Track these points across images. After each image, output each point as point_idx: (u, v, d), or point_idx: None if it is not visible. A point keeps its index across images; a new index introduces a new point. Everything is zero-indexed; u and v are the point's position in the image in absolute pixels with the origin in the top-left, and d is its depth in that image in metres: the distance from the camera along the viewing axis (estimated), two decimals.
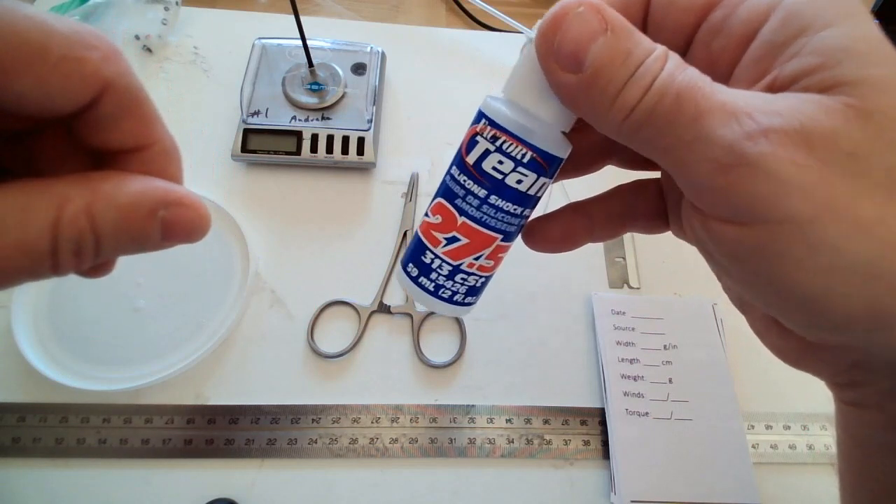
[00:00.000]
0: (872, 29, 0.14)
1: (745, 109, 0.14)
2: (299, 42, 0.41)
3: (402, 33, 0.53)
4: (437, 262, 0.20)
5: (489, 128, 0.18)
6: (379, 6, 0.56)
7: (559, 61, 0.15)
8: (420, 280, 0.21)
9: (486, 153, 0.18)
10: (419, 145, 0.47)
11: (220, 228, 0.41)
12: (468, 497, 0.35)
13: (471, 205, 0.19)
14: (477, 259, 0.20)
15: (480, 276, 0.21)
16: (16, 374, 0.36)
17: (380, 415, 0.37)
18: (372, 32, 0.52)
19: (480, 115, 0.19)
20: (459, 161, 0.19)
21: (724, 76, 0.16)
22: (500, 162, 0.18)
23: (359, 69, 0.46)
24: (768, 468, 0.36)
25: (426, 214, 0.21)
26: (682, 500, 0.34)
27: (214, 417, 0.36)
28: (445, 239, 0.20)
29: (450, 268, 0.20)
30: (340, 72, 0.46)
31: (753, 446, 0.37)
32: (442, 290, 0.21)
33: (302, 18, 0.40)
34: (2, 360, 0.37)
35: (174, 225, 0.14)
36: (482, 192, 0.19)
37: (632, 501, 0.34)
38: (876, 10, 0.54)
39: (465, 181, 0.19)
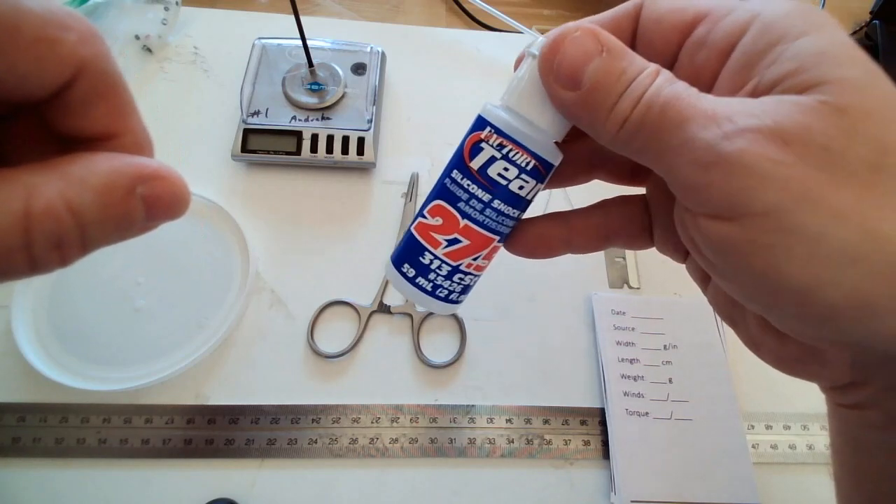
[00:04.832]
0: (844, 37, 0.15)
1: (725, 113, 0.15)
2: (299, 42, 0.41)
3: (402, 33, 0.53)
4: (437, 262, 0.21)
5: (495, 135, 0.19)
6: (379, 6, 0.56)
7: (559, 80, 0.17)
8: (417, 280, 0.21)
9: (492, 160, 0.19)
10: (419, 145, 0.47)
11: (220, 228, 0.41)
12: (468, 497, 0.35)
13: (474, 208, 0.20)
14: (475, 259, 0.21)
15: (476, 276, 0.22)
16: (16, 374, 0.36)
17: (380, 415, 0.37)
18: (372, 32, 0.52)
19: (484, 122, 0.19)
20: (462, 166, 0.20)
21: (707, 86, 0.17)
22: (506, 169, 0.19)
23: (359, 69, 0.46)
24: (768, 468, 0.36)
25: (422, 216, 0.21)
26: (682, 500, 0.34)
27: (214, 417, 0.36)
28: (446, 241, 0.21)
29: (449, 268, 0.21)
30: (340, 72, 0.46)
31: (753, 446, 0.37)
32: (439, 289, 0.22)
33: (302, 18, 0.40)
34: (2, 360, 0.37)
35: (156, 200, 0.14)
36: (486, 197, 0.20)
37: (632, 501, 0.34)
38: (876, 10, 0.54)
39: (468, 185, 0.20)
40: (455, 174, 0.20)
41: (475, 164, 0.19)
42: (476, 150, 0.19)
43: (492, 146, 0.19)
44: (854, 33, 0.56)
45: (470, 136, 0.20)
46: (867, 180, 0.14)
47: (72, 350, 0.37)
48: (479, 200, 0.20)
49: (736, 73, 0.16)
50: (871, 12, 0.55)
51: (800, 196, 0.14)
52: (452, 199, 0.20)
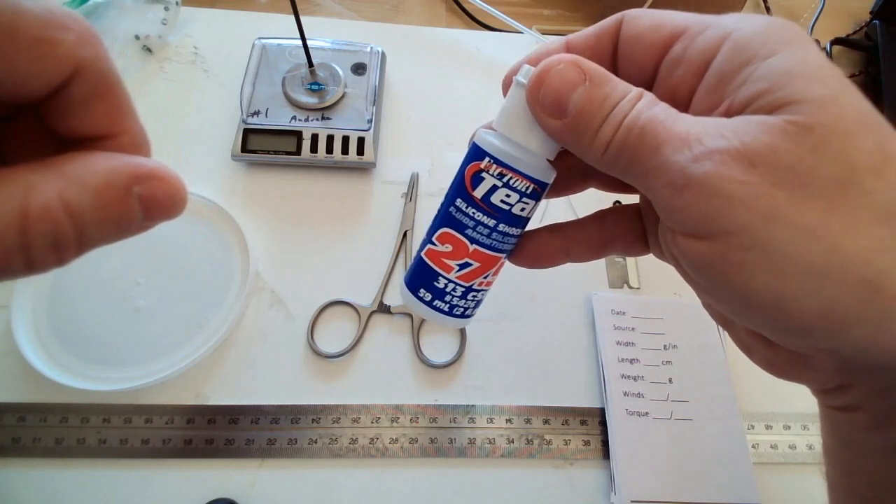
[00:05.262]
0: (814, 54, 0.15)
1: (696, 135, 0.15)
2: (299, 42, 0.41)
3: (402, 33, 0.53)
4: (451, 285, 0.22)
5: (494, 165, 0.20)
6: (379, 6, 0.56)
7: (545, 110, 0.18)
8: (434, 303, 0.23)
9: (494, 188, 0.20)
10: (419, 145, 0.47)
11: (220, 228, 0.41)
12: (468, 497, 0.35)
13: (481, 234, 0.21)
14: (486, 278, 0.23)
15: (486, 291, 0.24)
16: (16, 374, 0.36)
17: (380, 415, 0.37)
18: (372, 32, 0.52)
19: (482, 152, 0.20)
20: (465, 194, 0.21)
21: (684, 104, 0.18)
22: (508, 195, 0.20)
23: (359, 69, 0.46)
24: (768, 468, 0.36)
25: (432, 243, 0.22)
26: (682, 500, 0.34)
27: (214, 417, 0.36)
28: (458, 265, 0.22)
29: (463, 289, 0.23)
30: (340, 72, 0.46)
31: (753, 446, 0.37)
32: (456, 308, 0.23)
33: (302, 18, 0.40)
34: (2, 360, 0.37)
35: (153, 201, 0.14)
36: (492, 223, 0.21)
37: (632, 501, 0.34)
38: (876, 10, 0.54)
39: (473, 213, 0.21)
40: (459, 203, 0.21)
41: (478, 193, 0.21)
42: (477, 179, 0.21)
43: (492, 175, 0.20)
44: (854, 33, 0.56)
45: (469, 166, 0.21)
46: (834, 197, 0.14)
47: (72, 350, 0.37)
48: (485, 226, 0.21)
49: (711, 92, 0.17)
50: (871, 12, 0.55)
51: (767, 215, 0.14)
52: (460, 227, 0.21)
